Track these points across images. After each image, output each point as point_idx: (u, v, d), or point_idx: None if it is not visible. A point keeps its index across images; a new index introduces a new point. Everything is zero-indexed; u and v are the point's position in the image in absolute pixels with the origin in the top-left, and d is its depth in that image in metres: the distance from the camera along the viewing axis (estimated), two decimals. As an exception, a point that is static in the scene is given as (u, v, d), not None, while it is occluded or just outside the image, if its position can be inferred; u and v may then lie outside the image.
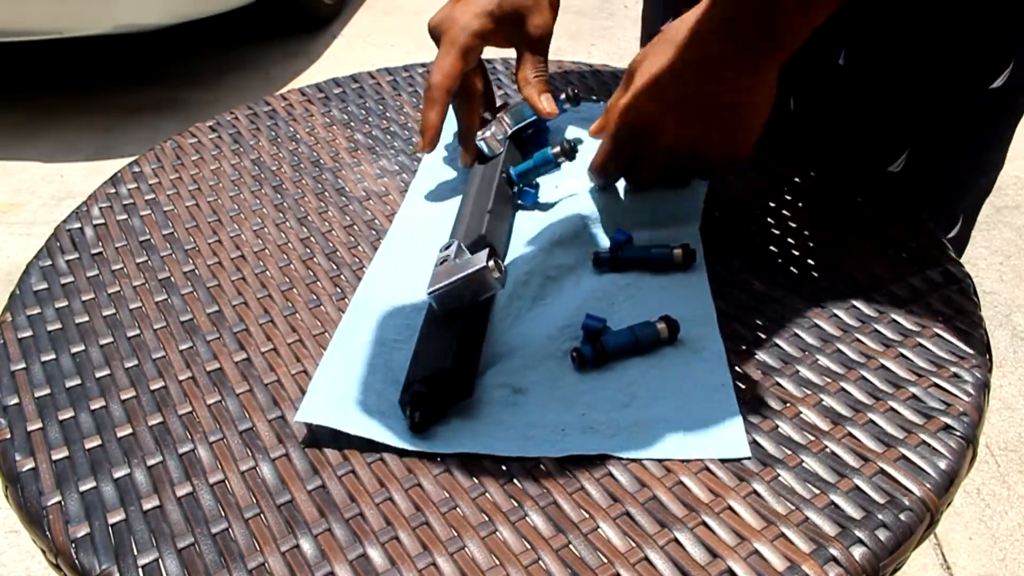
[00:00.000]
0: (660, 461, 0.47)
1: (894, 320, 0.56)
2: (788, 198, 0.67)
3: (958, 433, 0.49)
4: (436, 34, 0.67)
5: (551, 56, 0.70)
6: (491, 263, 0.50)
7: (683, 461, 0.47)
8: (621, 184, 0.65)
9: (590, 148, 0.66)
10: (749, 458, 0.47)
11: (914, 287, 0.58)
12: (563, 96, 0.69)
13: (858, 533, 0.43)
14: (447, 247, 0.54)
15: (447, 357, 0.49)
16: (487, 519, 0.45)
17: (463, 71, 0.65)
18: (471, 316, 0.53)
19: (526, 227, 0.64)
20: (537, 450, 0.47)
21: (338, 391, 0.51)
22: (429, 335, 0.52)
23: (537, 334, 0.55)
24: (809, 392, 0.51)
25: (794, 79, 0.71)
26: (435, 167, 0.72)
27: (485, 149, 0.67)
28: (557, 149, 0.63)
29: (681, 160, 0.58)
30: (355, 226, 0.66)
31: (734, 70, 0.53)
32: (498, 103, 0.72)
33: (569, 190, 0.66)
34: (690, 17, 0.54)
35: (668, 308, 0.55)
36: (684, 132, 0.56)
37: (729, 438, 0.48)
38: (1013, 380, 1.61)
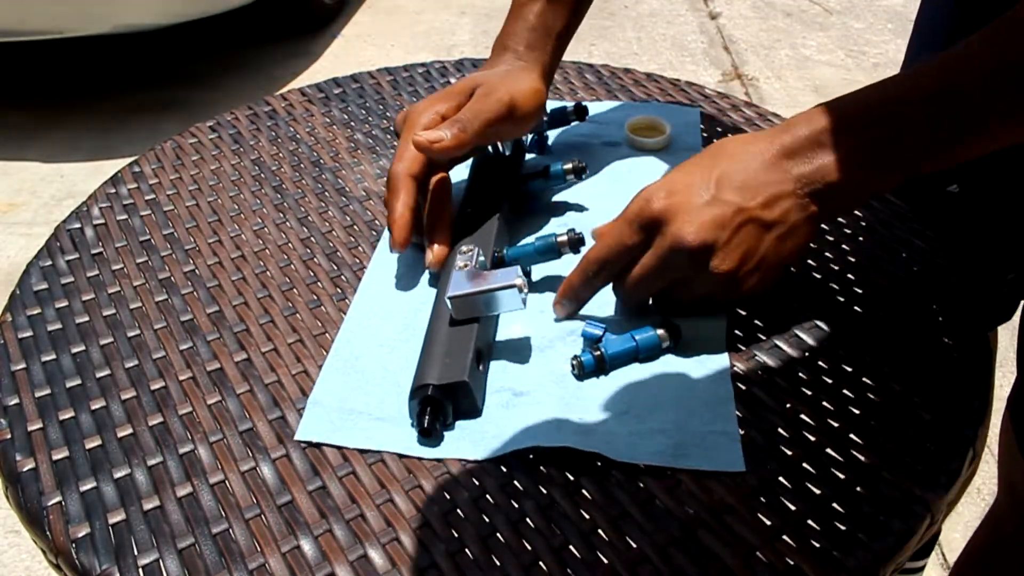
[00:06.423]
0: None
1: (897, 325, 0.56)
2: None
3: (958, 433, 0.49)
4: (398, 128, 0.60)
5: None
6: (521, 281, 0.50)
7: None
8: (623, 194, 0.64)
9: (596, 164, 0.65)
10: (744, 472, 0.47)
11: (922, 298, 0.58)
12: (568, 166, 0.64)
13: (858, 535, 0.43)
14: (466, 251, 0.54)
15: (464, 369, 0.48)
16: (487, 520, 0.45)
17: (428, 160, 0.58)
18: (485, 329, 0.53)
19: (525, 228, 0.64)
20: (531, 440, 0.47)
21: (337, 403, 0.50)
22: (440, 340, 0.51)
23: (540, 336, 0.54)
24: (810, 397, 0.51)
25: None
26: None
27: (489, 148, 0.67)
28: (569, 166, 0.63)
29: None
30: (355, 226, 0.66)
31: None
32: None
33: (574, 196, 0.66)
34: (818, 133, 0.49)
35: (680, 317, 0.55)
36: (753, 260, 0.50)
37: (725, 453, 0.47)
38: (1013, 380, 1.60)
